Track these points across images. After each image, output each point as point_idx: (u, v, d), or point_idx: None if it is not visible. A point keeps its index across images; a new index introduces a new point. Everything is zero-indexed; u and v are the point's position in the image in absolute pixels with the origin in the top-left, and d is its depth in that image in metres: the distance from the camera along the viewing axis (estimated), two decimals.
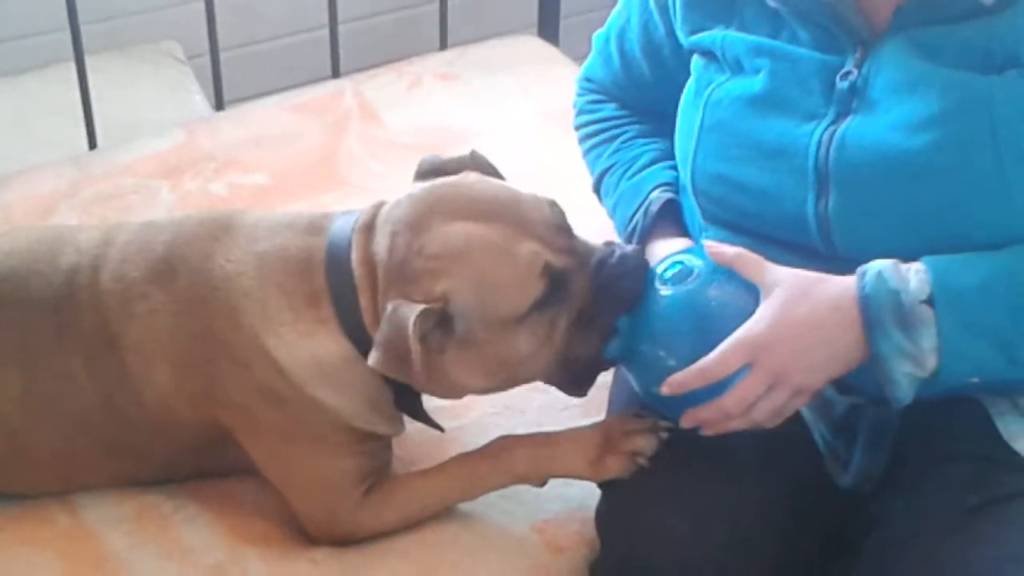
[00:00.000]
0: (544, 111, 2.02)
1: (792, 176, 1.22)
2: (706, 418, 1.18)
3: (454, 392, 1.30)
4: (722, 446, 1.25)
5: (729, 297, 1.18)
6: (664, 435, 1.29)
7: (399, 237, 1.24)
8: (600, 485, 1.33)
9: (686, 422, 1.20)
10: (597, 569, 1.32)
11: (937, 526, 1.18)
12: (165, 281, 1.31)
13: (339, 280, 1.27)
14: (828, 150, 1.20)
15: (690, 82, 1.34)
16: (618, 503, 1.30)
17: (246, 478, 1.39)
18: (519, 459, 1.32)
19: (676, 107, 1.37)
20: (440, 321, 1.21)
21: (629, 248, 1.26)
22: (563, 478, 1.34)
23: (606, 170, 1.48)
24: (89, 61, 2.01)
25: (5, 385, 1.33)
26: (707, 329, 1.17)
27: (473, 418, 1.48)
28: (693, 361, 1.16)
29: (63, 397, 1.33)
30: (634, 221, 1.41)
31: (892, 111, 1.18)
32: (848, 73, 1.22)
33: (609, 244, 1.28)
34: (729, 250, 1.20)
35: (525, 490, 1.37)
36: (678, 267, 1.23)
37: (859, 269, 1.15)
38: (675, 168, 1.40)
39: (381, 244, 1.25)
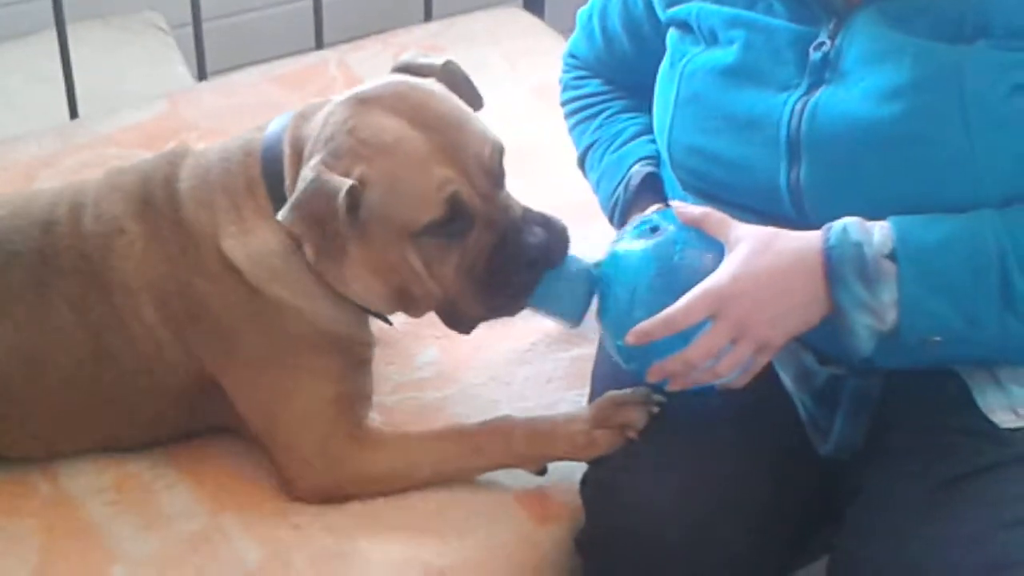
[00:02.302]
0: (530, 83, 2.01)
1: (764, 147, 1.23)
2: (671, 370, 1.19)
3: (342, 283, 1.30)
4: (706, 416, 1.26)
5: (695, 252, 1.20)
6: (655, 409, 1.30)
7: (336, 115, 1.26)
8: None
9: (652, 376, 1.21)
10: (582, 539, 1.33)
11: (917, 496, 1.19)
12: (139, 213, 1.34)
13: (271, 162, 1.29)
14: (800, 120, 1.21)
15: (666, 55, 1.34)
16: (603, 474, 1.30)
17: (227, 443, 1.39)
18: (518, 437, 1.33)
19: None
20: (352, 203, 1.22)
21: (557, 227, 1.25)
22: (559, 461, 1.34)
23: (590, 145, 1.49)
24: (71, 30, 2.00)
25: None
26: (673, 282, 1.18)
27: (458, 388, 1.48)
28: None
29: (53, 349, 1.34)
30: (616, 195, 1.42)
31: (864, 81, 1.19)
32: (821, 44, 1.22)
33: (542, 217, 1.25)
34: (696, 209, 1.22)
35: None
36: (647, 225, 1.24)
37: (826, 225, 1.17)
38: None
39: (316, 121, 1.27)
